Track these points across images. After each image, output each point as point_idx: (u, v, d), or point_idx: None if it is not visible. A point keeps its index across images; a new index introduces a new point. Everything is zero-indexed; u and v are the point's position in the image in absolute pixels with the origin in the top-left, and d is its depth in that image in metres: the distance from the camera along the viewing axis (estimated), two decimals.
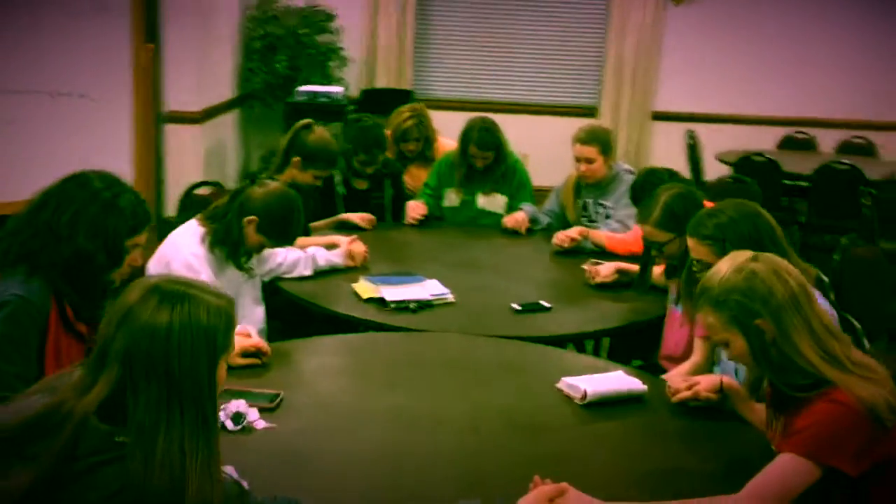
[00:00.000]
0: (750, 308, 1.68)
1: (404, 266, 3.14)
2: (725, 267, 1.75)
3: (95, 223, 1.87)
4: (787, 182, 5.68)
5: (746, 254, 1.76)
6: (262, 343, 2.25)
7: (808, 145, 6.93)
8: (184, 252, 2.54)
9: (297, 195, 2.71)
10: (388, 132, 4.28)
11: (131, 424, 1.31)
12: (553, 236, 3.51)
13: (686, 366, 2.55)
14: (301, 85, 6.57)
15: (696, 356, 2.55)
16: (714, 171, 6.21)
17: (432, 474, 1.78)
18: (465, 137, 3.87)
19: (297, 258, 3.02)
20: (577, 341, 2.64)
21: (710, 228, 2.21)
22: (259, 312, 2.82)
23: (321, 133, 3.34)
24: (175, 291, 1.38)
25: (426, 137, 4.32)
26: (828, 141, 6.95)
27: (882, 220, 4.61)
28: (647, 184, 3.12)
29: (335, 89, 6.48)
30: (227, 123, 6.72)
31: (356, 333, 2.57)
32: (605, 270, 3.04)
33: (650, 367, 2.77)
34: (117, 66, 3.67)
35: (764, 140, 6.96)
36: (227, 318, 1.41)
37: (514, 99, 7.61)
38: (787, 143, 6.94)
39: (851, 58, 7.30)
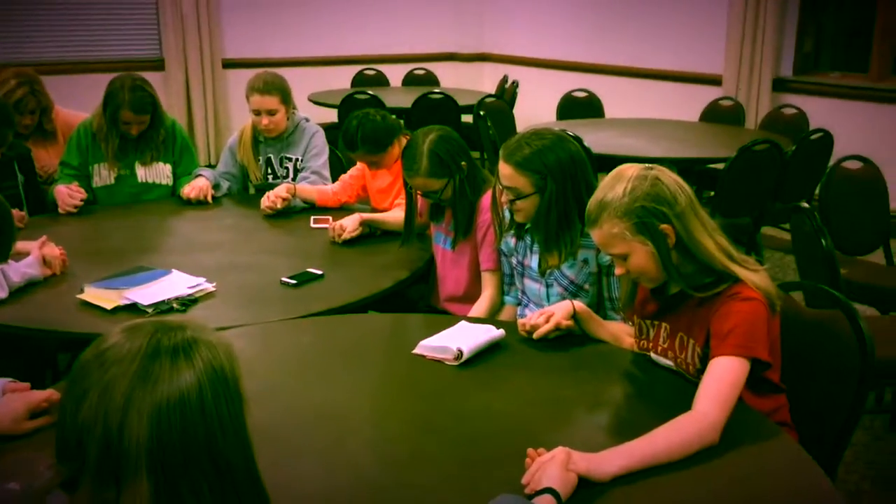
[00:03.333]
0: (658, 212, 1.72)
1: (116, 262, 2.57)
2: (622, 181, 1.76)
3: None
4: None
5: (635, 166, 1.80)
6: (54, 394, 1.66)
7: (379, 81, 7.28)
8: None
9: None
10: None
11: None
12: (263, 198, 3.18)
13: (484, 301, 2.55)
14: None
15: (490, 289, 2.56)
16: (307, 112, 6.20)
17: (373, 485, 1.51)
18: (113, 101, 3.25)
19: None
20: (377, 303, 2.43)
21: (528, 156, 2.19)
22: None
23: None
24: (180, 342, 0.94)
25: (43, 108, 3.55)
26: (394, 75, 7.39)
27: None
28: (365, 129, 2.99)
29: None
30: None
31: None
32: (351, 225, 2.85)
33: (430, 313, 2.71)
34: None
35: (339, 79, 7.16)
36: (237, 358, 1.01)
37: (69, 57, 6.66)
38: (360, 80, 7.20)
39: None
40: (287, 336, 2.13)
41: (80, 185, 3.30)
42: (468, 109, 5.81)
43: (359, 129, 3.00)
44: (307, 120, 3.57)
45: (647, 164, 1.80)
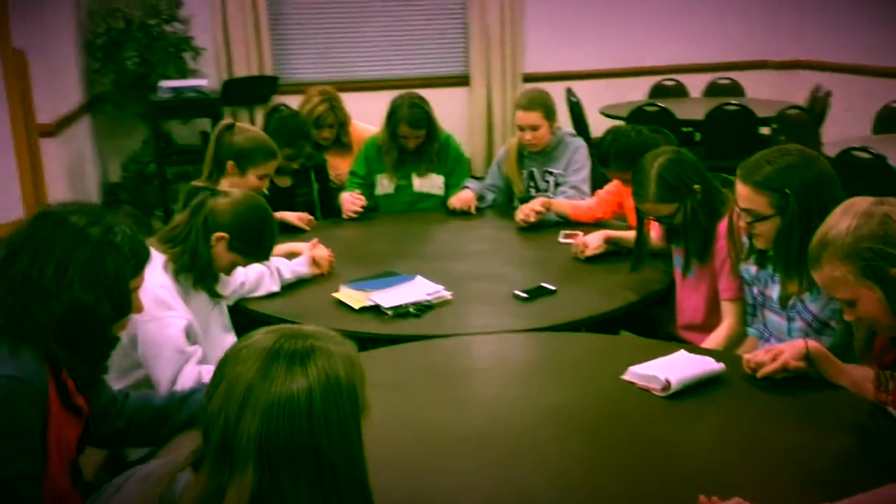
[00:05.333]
0: (887, 255, 1.53)
1: (374, 265, 2.81)
2: (847, 217, 1.59)
3: (91, 268, 1.46)
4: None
5: (865, 199, 1.61)
6: None
7: (678, 92, 7.06)
8: (150, 286, 2.08)
9: (265, 202, 2.33)
10: None
11: None
12: (517, 211, 3.29)
13: (722, 332, 2.41)
14: (155, 81, 5.96)
15: (730, 319, 2.42)
16: (599, 126, 6.21)
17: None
18: (393, 117, 3.56)
19: (260, 274, 2.63)
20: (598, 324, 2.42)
21: (768, 175, 2.04)
22: (230, 341, 2.41)
23: (247, 129, 2.95)
24: (299, 348, 1.04)
25: (341, 122, 3.98)
26: (695, 85, 7.12)
27: None
28: (619, 145, 2.96)
29: (200, 82, 5.92)
30: (81, 132, 5.99)
31: (369, 350, 2.23)
32: (594, 241, 2.85)
33: (668, 340, 2.61)
34: None
35: (635, 91, 7.05)
36: (360, 368, 1.09)
37: (384, 75, 7.31)
38: (658, 92, 7.04)
39: (710, 2, 7.52)
40: (503, 349, 2.20)
41: (364, 193, 3.64)
42: (769, 122, 5.44)
43: (612, 145, 2.98)
44: (573, 135, 3.61)
45: (874, 199, 1.60)
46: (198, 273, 2.21)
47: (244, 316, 2.53)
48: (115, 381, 2.17)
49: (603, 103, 6.50)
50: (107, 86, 6.22)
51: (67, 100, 5.56)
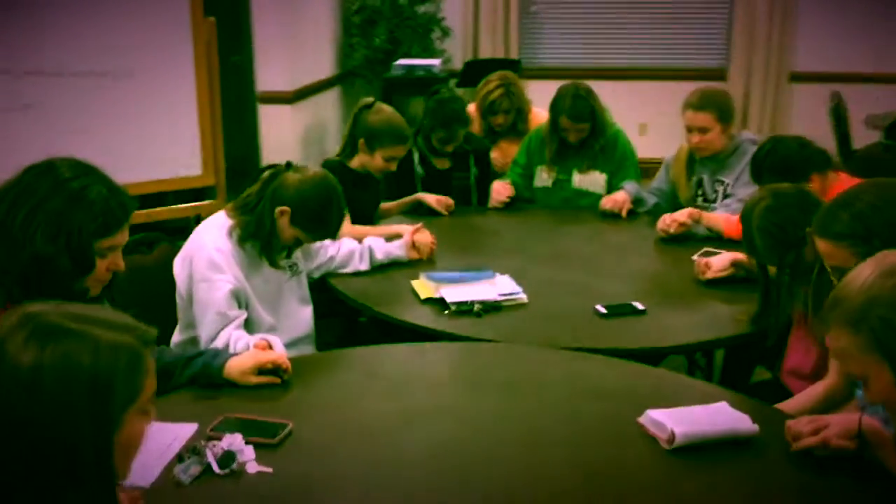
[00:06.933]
0: None
1: (478, 259, 2.70)
2: (868, 271, 1.23)
3: (56, 220, 1.54)
4: None
5: None
6: (280, 358, 1.88)
7: None
8: (208, 248, 2.21)
9: (336, 182, 2.32)
10: (473, 105, 3.90)
11: None
12: (659, 220, 2.97)
13: (819, 388, 2.00)
14: (401, 58, 6.22)
15: (832, 377, 1.99)
16: (863, 137, 5.43)
17: None
18: (556, 107, 3.38)
19: (350, 251, 2.64)
20: (681, 354, 2.12)
21: (846, 223, 1.66)
22: (306, 314, 2.46)
23: (384, 110, 2.97)
24: (52, 325, 1.00)
25: (518, 109, 3.87)
26: None
27: None
28: (774, 157, 2.56)
29: (432, 62, 6.09)
30: (327, 102, 6.45)
31: (405, 343, 2.15)
32: (719, 263, 2.49)
33: (770, 385, 2.23)
34: (173, 41, 3.36)
35: None
36: (129, 358, 1.03)
37: (633, 64, 6.99)
38: None
39: None
40: (529, 363, 1.99)
41: (522, 184, 3.51)
42: None
43: (767, 156, 2.58)
44: (754, 143, 3.17)
45: None
46: (262, 242, 2.27)
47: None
48: (178, 334, 2.33)
49: (876, 111, 5.68)
50: (359, 60, 6.61)
51: (311, 71, 6.01)
